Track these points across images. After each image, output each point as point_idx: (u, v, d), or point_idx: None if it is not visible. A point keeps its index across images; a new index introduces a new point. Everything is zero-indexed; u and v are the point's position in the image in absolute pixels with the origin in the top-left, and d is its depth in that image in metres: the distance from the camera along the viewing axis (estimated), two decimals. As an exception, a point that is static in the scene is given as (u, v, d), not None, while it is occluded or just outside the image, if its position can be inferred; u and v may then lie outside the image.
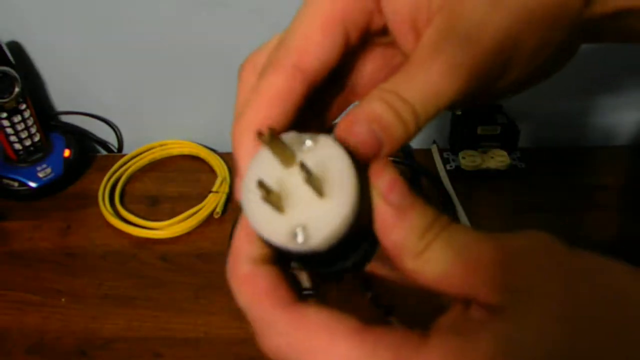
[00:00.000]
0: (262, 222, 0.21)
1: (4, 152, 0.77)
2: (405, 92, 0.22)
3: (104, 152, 0.88)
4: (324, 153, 0.21)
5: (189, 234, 0.71)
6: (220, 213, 0.72)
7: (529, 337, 0.19)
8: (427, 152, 0.80)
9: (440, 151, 0.80)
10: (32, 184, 0.75)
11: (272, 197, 0.20)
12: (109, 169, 0.79)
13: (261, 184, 0.20)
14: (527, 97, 0.80)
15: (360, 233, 0.22)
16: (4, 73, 0.71)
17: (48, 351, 0.60)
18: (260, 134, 0.21)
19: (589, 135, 0.86)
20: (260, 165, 0.22)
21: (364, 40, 0.26)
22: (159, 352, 0.59)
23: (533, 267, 0.20)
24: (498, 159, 0.76)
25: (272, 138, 0.21)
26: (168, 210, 0.73)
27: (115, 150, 0.88)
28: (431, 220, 0.21)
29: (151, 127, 0.84)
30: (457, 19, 0.23)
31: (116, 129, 0.86)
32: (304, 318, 0.21)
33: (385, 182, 0.21)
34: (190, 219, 0.72)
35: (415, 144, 0.83)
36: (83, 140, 0.85)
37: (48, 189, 0.76)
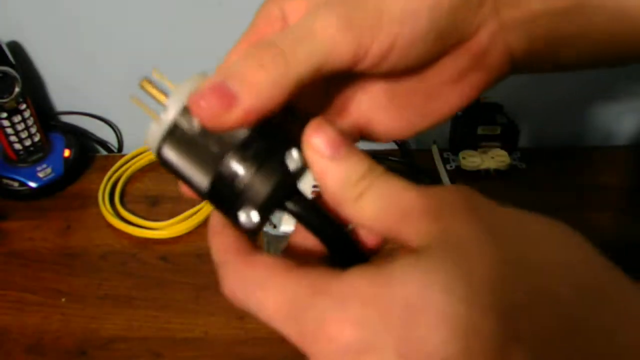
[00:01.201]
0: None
1: (4, 152, 0.77)
2: (276, 39, 0.24)
3: (104, 152, 0.88)
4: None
5: (189, 234, 0.71)
6: (220, 213, 0.72)
7: (440, 273, 0.20)
8: (427, 152, 0.80)
9: (441, 151, 0.79)
10: (32, 184, 0.75)
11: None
12: (109, 169, 0.79)
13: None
14: (528, 97, 0.80)
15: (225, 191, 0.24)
16: (4, 73, 0.71)
17: (48, 351, 0.60)
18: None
19: (589, 136, 0.86)
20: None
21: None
22: (159, 352, 0.59)
23: (452, 214, 0.22)
24: (498, 159, 0.76)
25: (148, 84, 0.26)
26: (168, 210, 0.73)
27: (115, 150, 0.88)
28: (365, 169, 0.23)
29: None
30: None
31: (116, 129, 0.86)
32: (251, 259, 0.24)
33: (319, 138, 0.23)
34: (190, 219, 0.72)
35: (415, 144, 0.83)
36: (83, 140, 0.85)
37: (48, 189, 0.76)
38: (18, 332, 0.62)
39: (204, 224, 0.72)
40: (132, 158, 0.81)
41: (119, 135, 0.87)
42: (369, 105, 0.31)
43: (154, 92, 0.26)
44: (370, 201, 0.23)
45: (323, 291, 0.22)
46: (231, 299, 0.24)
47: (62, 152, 0.79)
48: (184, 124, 0.25)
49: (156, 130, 0.25)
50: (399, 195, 0.23)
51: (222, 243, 0.25)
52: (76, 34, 0.78)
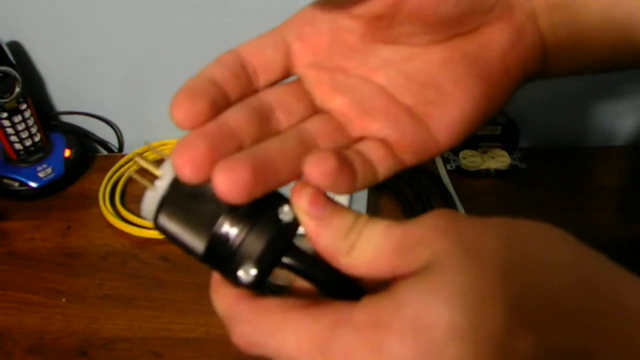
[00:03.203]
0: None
1: (4, 152, 0.77)
2: None
3: (104, 152, 0.88)
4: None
5: (189, 234, 0.71)
6: (220, 213, 0.72)
7: (441, 289, 0.22)
8: (428, 152, 0.80)
9: (441, 151, 0.79)
10: (33, 184, 0.75)
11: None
12: (110, 169, 0.79)
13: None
14: (528, 97, 0.80)
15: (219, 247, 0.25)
16: (5, 73, 0.71)
17: (48, 351, 0.60)
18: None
19: (589, 136, 0.86)
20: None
21: None
22: (159, 352, 0.59)
23: (438, 237, 0.23)
24: (498, 159, 0.76)
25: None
26: (168, 211, 0.73)
27: (116, 150, 0.88)
28: (352, 222, 0.25)
29: (151, 127, 0.84)
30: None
31: (117, 129, 0.86)
32: (261, 305, 0.25)
33: (305, 199, 0.25)
34: (190, 219, 0.71)
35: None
36: (83, 140, 0.85)
37: (48, 189, 0.76)
38: (18, 332, 0.62)
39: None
40: (133, 158, 0.81)
41: (119, 135, 0.87)
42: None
43: (147, 165, 0.27)
44: (362, 250, 0.24)
45: (344, 323, 0.23)
46: (245, 348, 0.25)
47: (63, 152, 0.79)
48: (178, 191, 0.25)
49: (152, 198, 0.26)
50: (386, 236, 0.24)
51: (225, 295, 0.26)
52: (76, 34, 0.78)
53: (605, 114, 0.83)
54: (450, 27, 0.29)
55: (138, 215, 0.73)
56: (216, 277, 0.27)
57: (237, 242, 0.25)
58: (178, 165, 0.24)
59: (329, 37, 0.29)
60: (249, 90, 0.28)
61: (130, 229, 0.71)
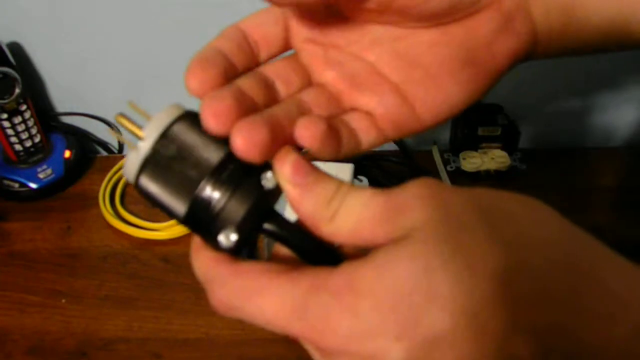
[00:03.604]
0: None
1: (4, 153, 0.77)
2: None
3: (104, 153, 0.88)
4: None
5: (189, 234, 0.70)
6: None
7: (421, 256, 0.22)
8: (428, 153, 0.80)
9: (441, 152, 0.80)
10: (33, 185, 0.75)
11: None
12: (110, 169, 0.79)
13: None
14: (528, 98, 0.80)
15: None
16: (4, 74, 0.71)
17: (48, 352, 0.60)
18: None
19: (589, 137, 0.86)
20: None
21: None
22: (159, 353, 0.59)
23: (421, 206, 0.23)
24: (499, 160, 0.76)
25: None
26: (168, 211, 0.73)
27: (116, 151, 0.88)
28: (334, 190, 0.25)
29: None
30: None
31: (117, 130, 0.86)
32: (240, 268, 0.24)
33: (289, 166, 0.25)
34: (190, 220, 0.72)
35: (415, 144, 0.83)
36: (83, 141, 0.85)
37: (48, 189, 0.76)
38: (19, 333, 0.62)
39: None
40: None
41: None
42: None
43: (130, 125, 0.26)
44: (344, 218, 0.24)
45: (321, 288, 0.23)
46: (222, 311, 0.25)
47: (63, 153, 0.79)
48: (161, 152, 0.25)
49: (134, 159, 0.26)
50: (369, 205, 0.24)
51: (205, 258, 0.25)
52: (77, 34, 0.78)
53: (605, 114, 0.83)
54: (438, 18, 0.30)
55: (138, 216, 0.73)
56: (196, 240, 0.26)
57: (219, 206, 0.25)
58: (206, 115, 0.25)
59: (324, 15, 0.31)
60: (253, 62, 0.30)
61: (130, 229, 0.71)
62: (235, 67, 0.29)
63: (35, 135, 0.76)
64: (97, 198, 0.75)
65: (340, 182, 0.25)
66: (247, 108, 0.26)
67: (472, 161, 0.76)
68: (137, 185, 0.26)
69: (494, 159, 0.76)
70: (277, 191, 0.26)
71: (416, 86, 0.30)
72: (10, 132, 0.74)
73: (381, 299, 0.22)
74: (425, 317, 0.21)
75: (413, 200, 0.23)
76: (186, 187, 0.25)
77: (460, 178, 0.76)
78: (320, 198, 0.24)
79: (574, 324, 0.23)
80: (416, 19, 0.30)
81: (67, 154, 0.79)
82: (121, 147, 0.88)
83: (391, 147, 0.79)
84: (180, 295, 0.64)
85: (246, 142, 0.24)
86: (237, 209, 0.25)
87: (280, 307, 0.23)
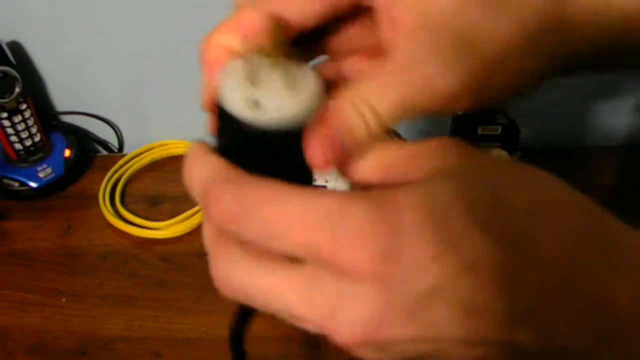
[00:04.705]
0: (231, 96, 0.23)
1: (4, 152, 0.77)
2: (377, 103, 0.24)
3: (104, 152, 0.88)
4: (297, 71, 0.24)
5: (189, 234, 0.71)
6: (220, 213, 0.72)
7: (439, 192, 0.21)
8: (428, 152, 0.80)
9: (441, 151, 0.79)
10: (33, 184, 0.75)
11: (249, 78, 0.23)
12: (110, 168, 0.79)
13: (243, 66, 0.23)
14: (528, 98, 0.80)
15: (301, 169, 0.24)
16: (5, 73, 0.71)
17: (48, 351, 0.60)
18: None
19: (589, 136, 0.86)
20: (236, 69, 0.24)
21: (355, 9, 0.28)
22: (159, 352, 0.59)
23: (444, 155, 0.23)
24: (498, 159, 0.76)
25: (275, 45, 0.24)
26: (168, 210, 0.73)
27: (116, 150, 0.88)
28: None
29: (151, 127, 0.84)
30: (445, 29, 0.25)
31: (116, 129, 0.87)
32: (256, 182, 0.21)
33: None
34: (190, 219, 0.72)
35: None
36: (83, 140, 0.85)
37: (48, 189, 0.76)
38: (19, 332, 0.62)
39: (205, 224, 0.72)
40: (133, 158, 0.81)
41: (119, 135, 0.87)
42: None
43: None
44: (375, 154, 0.24)
45: (357, 197, 0.20)
46: (223, 223, 0.22)
47: (63, 152, 0.79)
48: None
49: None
50: (399, 147, 0.24)
51: (207, 162, 0.23)
52: (76, 33, 0.78)
53: (605, 114, 0.83)
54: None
55: (138, 215, 0.73)
56: (194, 147, 0.24)
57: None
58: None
59: None
60: None
61: (130, 229, 0.71)
62: None
63: (35, 134, 0.76)
64: (97, 197, 0.75)
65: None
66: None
67: (472, 160, 0.76)
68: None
69: (493, 158, 0.76)
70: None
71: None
72: (10, 131, 0.74)
73: (422, 217, 0.20)
74: (466, 242, 0.20)
75: (438, 150, 0.24)
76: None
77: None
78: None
79: (611, 288, 0.22)
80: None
81: (67, 153, 0.79)
82: (121, 146, 0.88)
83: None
84: (180, 294, 0.64)
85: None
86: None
87: (305, 214, 0.20)
